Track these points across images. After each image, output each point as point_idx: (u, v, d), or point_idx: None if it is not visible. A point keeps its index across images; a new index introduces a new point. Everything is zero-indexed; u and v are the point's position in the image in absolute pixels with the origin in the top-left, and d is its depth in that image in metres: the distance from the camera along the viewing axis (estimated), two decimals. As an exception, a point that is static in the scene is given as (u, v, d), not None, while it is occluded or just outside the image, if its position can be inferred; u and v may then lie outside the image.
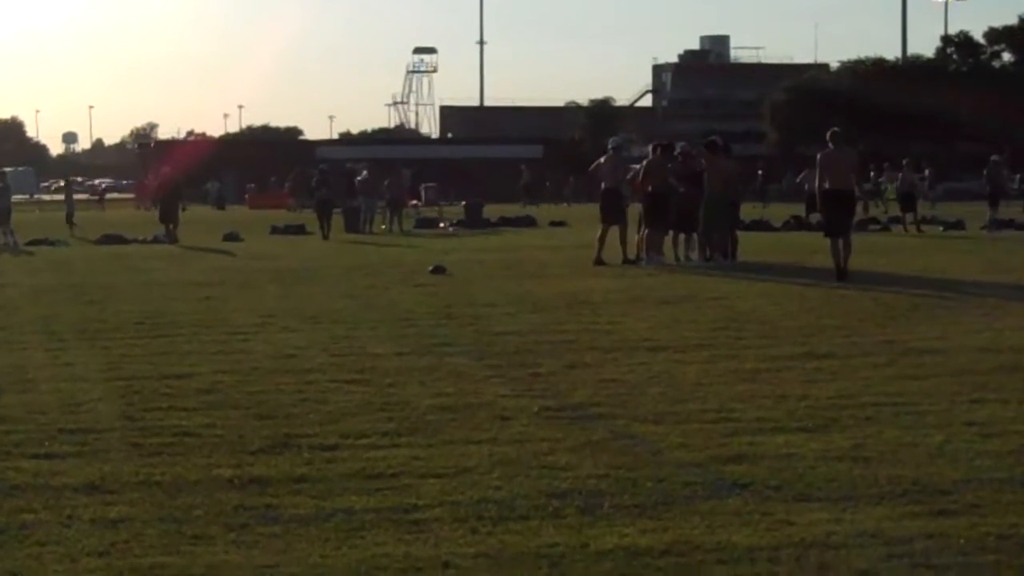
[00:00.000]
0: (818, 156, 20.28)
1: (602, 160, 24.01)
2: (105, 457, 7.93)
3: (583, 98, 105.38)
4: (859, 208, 24.67)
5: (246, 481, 7.31)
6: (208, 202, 70.61)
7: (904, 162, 38.37)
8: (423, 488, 7.11)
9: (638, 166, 23.95)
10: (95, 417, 9.18)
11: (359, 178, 40.11)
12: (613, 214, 23.21)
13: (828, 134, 20.16)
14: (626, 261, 22.52)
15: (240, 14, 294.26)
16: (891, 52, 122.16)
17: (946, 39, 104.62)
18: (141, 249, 30.97)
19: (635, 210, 23.68)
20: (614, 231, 22.96)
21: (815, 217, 28.29)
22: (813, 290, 17.68)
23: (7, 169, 40.39)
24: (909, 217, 35.84)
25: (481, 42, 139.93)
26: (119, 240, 33.66)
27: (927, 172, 56.84)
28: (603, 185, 23.70)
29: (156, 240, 33.27)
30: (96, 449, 8.16)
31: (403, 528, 6.40)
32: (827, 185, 19.74)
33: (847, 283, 18.46)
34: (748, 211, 35.36)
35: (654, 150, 24.10)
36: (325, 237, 34.49)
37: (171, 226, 33.79)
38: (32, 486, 7.26)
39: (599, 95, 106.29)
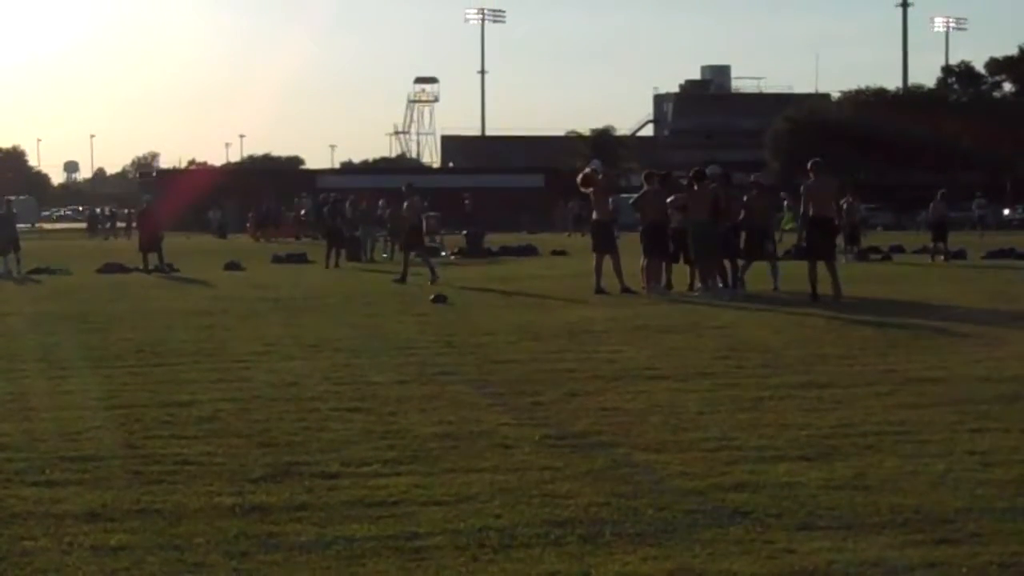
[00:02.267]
0: (802, 186, 21.61)
1: (591, 191, 24.29)
2: (106, 485, 7.93)
3: (584, 128, 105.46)
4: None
5: (247, 509, 7.31)
6: (210, 231, 70.67)
7: (939, 193, 38.02)
8: (424, 516, 7.10)
9: (627, 196, 24.45)
10: (96, 445, 9.17)
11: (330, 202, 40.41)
12: (602, 244, 23.37)
13: (810, 164, 21.48)
14: (624, 291, 22.57)
15: (241, 44, 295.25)
16: (892, 82, 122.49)
17: (947, 69, 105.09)
18: (141, 278, 30.97)
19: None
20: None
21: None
22: (814, 319, 17.69)
23: (11, 198, 40.32)
24: (940, 246, 35.62)
25: (483, 72, 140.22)
26: (119, 269, 33.67)
27: (846, 201, 55.85)
28: (593, 216, 24.07)
29: (157, 269, 33.29)
30: (97, 477, 8.15)
31: (404, 556, 6.39)
32: (811, 213, 21.06)
33: (831, 304, 19.71)
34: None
35: (647, 179, 24.23)
36: (327, 266, 34.50)
37: (151, 255, 33.65)
38: (33, 514, 7.25)
39: (600, 125, 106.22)
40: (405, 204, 28.51)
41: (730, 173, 25.29)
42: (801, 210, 21.78)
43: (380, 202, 41.48)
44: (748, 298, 21.43)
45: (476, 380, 12.22)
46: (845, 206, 35.82)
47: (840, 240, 35.37)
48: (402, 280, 26.68)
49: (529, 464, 8.39)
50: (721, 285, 22.72)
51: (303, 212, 66.82)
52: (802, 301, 20.69)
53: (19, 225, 35.68)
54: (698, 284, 22.87)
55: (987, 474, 7.95)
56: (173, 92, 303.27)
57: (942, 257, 35.25)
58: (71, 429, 9.76)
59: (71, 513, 7.24)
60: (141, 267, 33.27)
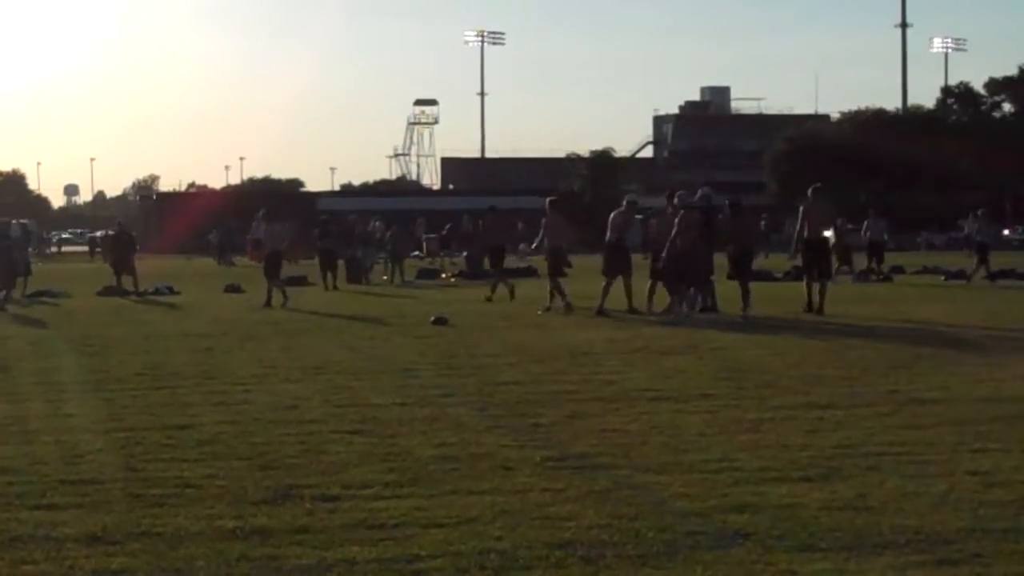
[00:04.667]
0: (800, 207, 23.05)
1: (614, 213, 24.20)
2: (107, 508, 7.92)
3: (584, 149, 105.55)
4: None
5: (248, 532, 7.30)
6: (209, 253, 70.61)
7: (979, 212, 37.11)
8: (425, 538, 7.09)
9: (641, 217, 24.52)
10: (96, 468, 9.17)
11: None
12: (615, 267, 23.33)
13: (810, 189, 23.05)
14: (598, 312, 22.61)
15: (241, 66, 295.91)
16: (891, 103, 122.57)
17: (946, 90, 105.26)
18: (140, 302, 30.93)
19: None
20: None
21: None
22: (815, 340, 17.69)
23: (11, 221, 40.32)
24: (983, 269, 34.33)
25: (482, 93, 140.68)
26: (119, 292, 33.62)
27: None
28: (607, 237, 23.86)
29: (157, 292, 33.27)
30: (97, 500, 8.15)
31: (405, 579, 6.38)
32: (806, 233, 22.59)
33: (821, 316, 21.37)
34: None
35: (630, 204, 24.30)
36: (327, 288, 34.49)
37: (122, 277, 33.45)
38: (33, 537, 7.24)
39: (600, 146, 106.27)
40: (264, 228, 30.32)
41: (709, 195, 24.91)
42: (797, 229, 22.95)
43: (376, 223, 41.41)
44: (748, 320, 21.39)
45: (477, 402, 12.22)
46: (848, 227, 35.93)
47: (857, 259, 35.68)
48: (267, 304, 26.87)
49: (530, 486, 8.38)
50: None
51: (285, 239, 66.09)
52: (800, 323, 20.70)
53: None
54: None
55: (988, 494, 7.95)
56: (173, 115, 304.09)
57: (966, 279, 34.17)
58: (72, 452, 9.75)
59: (72, 536, 7.24)
60: (135, 290, 33.08)
